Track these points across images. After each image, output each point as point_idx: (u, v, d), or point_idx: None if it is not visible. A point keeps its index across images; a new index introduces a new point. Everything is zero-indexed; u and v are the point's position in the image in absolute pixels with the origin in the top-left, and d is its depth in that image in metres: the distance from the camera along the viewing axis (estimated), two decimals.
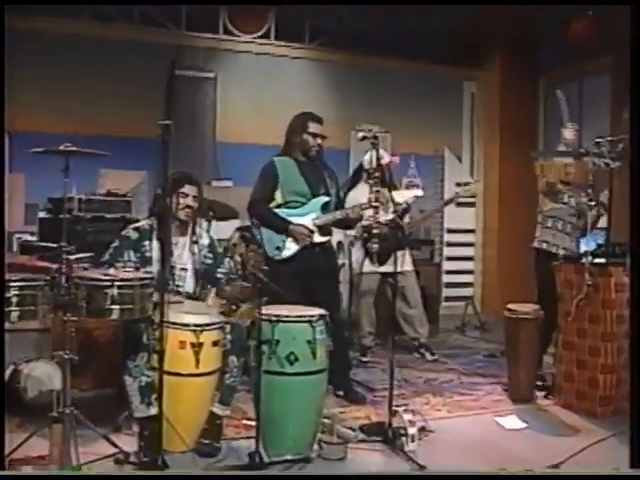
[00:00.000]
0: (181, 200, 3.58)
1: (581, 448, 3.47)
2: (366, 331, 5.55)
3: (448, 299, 7.96)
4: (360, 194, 4.93)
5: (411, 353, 5.64)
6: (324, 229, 4.26)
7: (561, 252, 4.57)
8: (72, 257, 2.74)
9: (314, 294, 4.14)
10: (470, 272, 8.42)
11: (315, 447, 3.38)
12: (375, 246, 4.84)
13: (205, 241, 3.71)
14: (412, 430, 3.43)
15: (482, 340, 6.48)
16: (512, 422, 3.94)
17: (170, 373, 3.08)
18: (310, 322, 3.31)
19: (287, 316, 3.26)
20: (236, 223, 6.44)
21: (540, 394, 4.46)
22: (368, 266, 5.31)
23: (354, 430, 3.58)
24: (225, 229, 6.25)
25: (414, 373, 5.10)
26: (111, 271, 3.04)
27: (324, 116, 7.50)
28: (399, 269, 5.13)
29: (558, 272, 4.31)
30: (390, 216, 4.74)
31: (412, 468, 3.24)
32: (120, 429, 3.58)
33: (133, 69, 6.69)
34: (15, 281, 2.63)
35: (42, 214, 5.35)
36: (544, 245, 4.76)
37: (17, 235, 6.39)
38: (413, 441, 3.43)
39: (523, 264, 8.02)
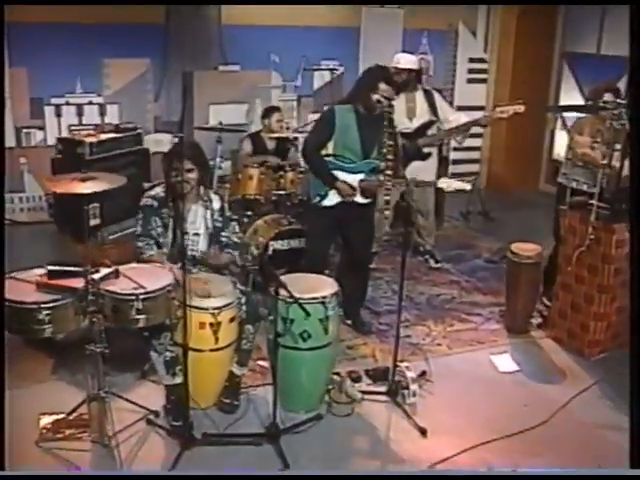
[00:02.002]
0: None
1: (567, 400, 3.84)
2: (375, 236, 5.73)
3: (454, 175, 8.05)
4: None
5: (415, 256, 5.88)
6: (367, 191, 4.28)
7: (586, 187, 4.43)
8: (97, 276, 2.88)
9: (348, 238, 4.44)
10: (477, 149, 8.43)
11: (326, 399, 3.76)
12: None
13: (216, 205, 3.79)
14: (413, 387, 3.78)
15: (485, 234, 6.70)
16: (505, 363, 4.27)
17: (191, 349, 3.34)
18: (323, 303, 3.51)
19: (301, 298, 3.42)
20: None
21: (535, 322, 4.76)
22: None
23: (359, 380, 3.94)
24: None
25: (418, 288, 5.38)
26: (136, 267, 3.21)
27: None
28: (419, 178, 5.24)
29: (563, 217, 4.42)
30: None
31: (410, 423, 3.64)
32: (146, 376, 3.94)
33: None
34: (46, 302, 2.80)
35: (53, 154, 5.29)
36: (573, 183, 4.49)
37: (25, 130, 6.38)
38: (414, 396, 3.79)
39: (530, 142, 8.07)
